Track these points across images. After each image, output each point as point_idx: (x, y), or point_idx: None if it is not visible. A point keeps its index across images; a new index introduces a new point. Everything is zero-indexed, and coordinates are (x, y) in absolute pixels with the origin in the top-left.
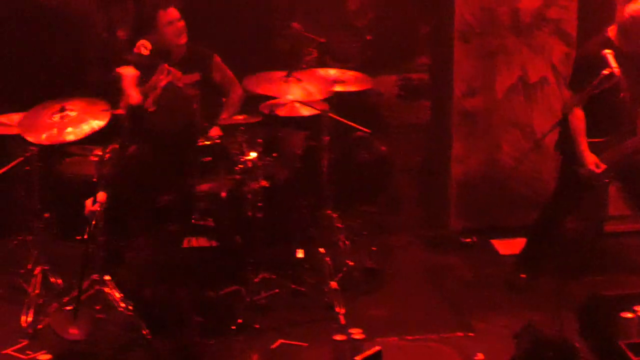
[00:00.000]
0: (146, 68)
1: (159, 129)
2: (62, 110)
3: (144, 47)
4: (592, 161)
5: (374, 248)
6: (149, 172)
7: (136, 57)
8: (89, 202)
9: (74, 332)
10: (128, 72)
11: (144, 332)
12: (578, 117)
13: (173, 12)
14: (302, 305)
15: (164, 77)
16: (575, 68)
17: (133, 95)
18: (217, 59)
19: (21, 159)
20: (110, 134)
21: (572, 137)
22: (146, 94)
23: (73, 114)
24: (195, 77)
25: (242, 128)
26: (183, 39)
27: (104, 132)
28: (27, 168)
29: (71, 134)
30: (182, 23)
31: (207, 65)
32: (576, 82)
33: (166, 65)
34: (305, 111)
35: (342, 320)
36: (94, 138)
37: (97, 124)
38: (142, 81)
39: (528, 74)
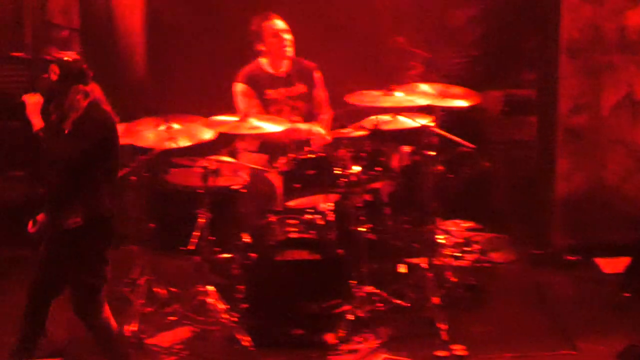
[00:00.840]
0: (58, 92)
1: (73, 149)
2: (167, 121)
3: (53, 72)
4: None
5: (477, 264)
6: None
7: (45, 82)
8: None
9: None
10: (31, 100)
11: (247, 344)
12: None
13: (280, 25)
14: (405, 320)
15: (81, 97)
16: None
17: (35, 122)
18: (319, 73)
19: (128, 169)
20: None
21: None
22: (63, 117)
23: (177, 126)
24: (302, 89)
25: (346, 142)
26: (289, 52)
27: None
28: (134, 178)
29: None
30: (289, 36)
31: (311, 78)
32: None
33: (80, 86)
34: (409, 125)
35: (444, 336)
36: (200, 149)
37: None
38: (57, 105)
39: (635, 91)
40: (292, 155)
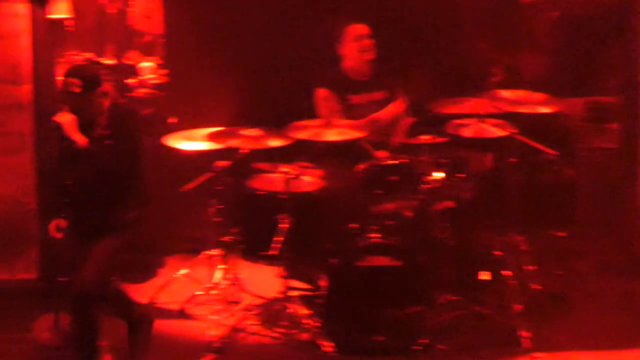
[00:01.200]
0: (85, 102)
1: (122, 152)
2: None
3: (74, 85)
4: None
5: (560, 272)
6: None
7: (71, 97)
8: None
9: (45, 337)
10: (65, 119)
11: (329, 349)
12: None
13: (361, 28)
14: (487, 327)
15: (103, 99)
16: None
17: (79, 139)
18: (401, 79)
19: (212, 174)
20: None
21: None
22: (94, 123)
23: (258, 132)
24: (381, 95)
25: (428, 148)
26: (369, 56)
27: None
28: (216, 183)
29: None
30: (370, 40)
31: (394, 84)
32: None
33: (100, 89)
34: (492, 132)
35: (527, 344)
36: (282, 155)
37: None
38: (85, 114)
39: None
40: (374, 161)
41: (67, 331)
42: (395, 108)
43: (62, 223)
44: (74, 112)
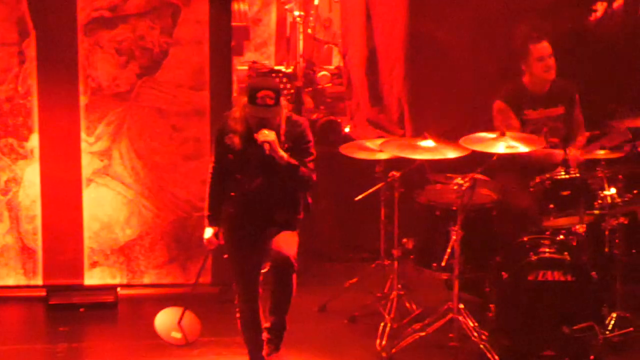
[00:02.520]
0: (274, 114)
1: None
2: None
3: (268, 97)
4: None
5: None
6: None
7: (261, 108)
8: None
9: (175, 336)
10: (271, 138)
11: None
12: None
13: (545, 48)
14: None
15: (285, 109)
16: None
17: (282, 155)
18: (578, 97)
19: (383, 183)
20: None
21: None
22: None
23: (432, 143)
24: (560, 110)
25: (603, 163)
26: (551, 75)
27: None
28: (389, 193)
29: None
30: (552, 60)
31: (571, 100)
32: None
33: (282, 101)
34: None
35: None
36: (456, 167)
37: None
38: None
39: None
40: (547, 175)
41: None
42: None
43: (220, 231)
44: (263, 125)
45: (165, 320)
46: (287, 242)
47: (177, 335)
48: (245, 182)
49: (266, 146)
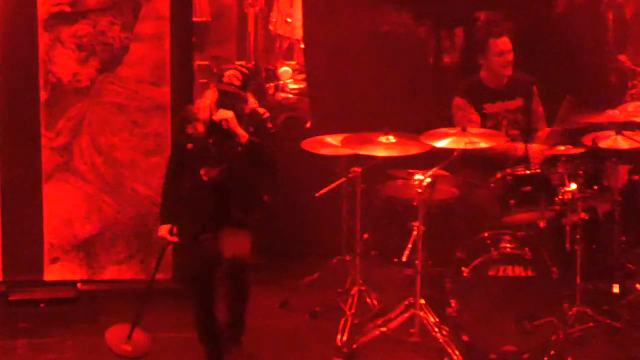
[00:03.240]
0: (239, 99)
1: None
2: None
3: (235, 77)
4: None
5: None
6: None
7: (227, 91)
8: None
9: (126, 349)
10: (229, 115)
11: (457, 358)
12: None
13: (505, 43)
14: (617, 341)
15: (247, 105)
16: None
17: (241, 133)
18: (535, 89)
19: (344, 179)
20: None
21: None
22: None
23: (393, 139)
24: (518, 103)
25: (563, 159)
26: (509, 71)
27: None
28: (350, 189)
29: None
30: (511, 56)
31: (529, 92)
32: None
33: (248, 93)
34: (629, 144)
35: None
36: (416, 163)
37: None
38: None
39: None
40: (508, 171)
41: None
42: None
43: (175, 228)
44: (228, 108)
45: (115, 335)
46: (241, 241)
47: (127, 348)
48: (204, 173)
49: (224, 123)
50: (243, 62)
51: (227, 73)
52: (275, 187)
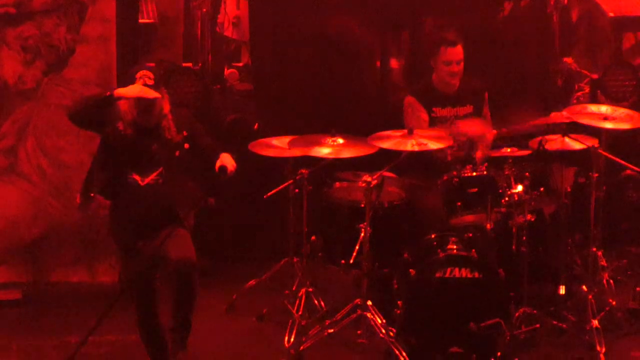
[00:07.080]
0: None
1: None
2: (332, 135)
3: (147, 77)
4: None
5: (638, 289)
6: None
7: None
8: None
9: None
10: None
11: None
12: None
13: (457, 54)
14: (563, 342)
15: (166, 103)
16: None
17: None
18: (486, 95)
19: (291, 181)
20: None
21: None
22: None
23: (341, 141)
24: (468, 109)
25: (510, 161)
26: (455, 82)
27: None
28: (297, 191)
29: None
30: (461, 66)
31: (480, 99)
32: None
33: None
34: (575, 147)
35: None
36: (364, 165)
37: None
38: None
39: None
40: (454, 173)
41: None
42: (480, 122)
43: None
44: (147, 111)
45: None
46: (184, 243)
47: None
48: (140, 179)
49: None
50: (189, 65)
51: (139, 75)
52: (218, 189)
